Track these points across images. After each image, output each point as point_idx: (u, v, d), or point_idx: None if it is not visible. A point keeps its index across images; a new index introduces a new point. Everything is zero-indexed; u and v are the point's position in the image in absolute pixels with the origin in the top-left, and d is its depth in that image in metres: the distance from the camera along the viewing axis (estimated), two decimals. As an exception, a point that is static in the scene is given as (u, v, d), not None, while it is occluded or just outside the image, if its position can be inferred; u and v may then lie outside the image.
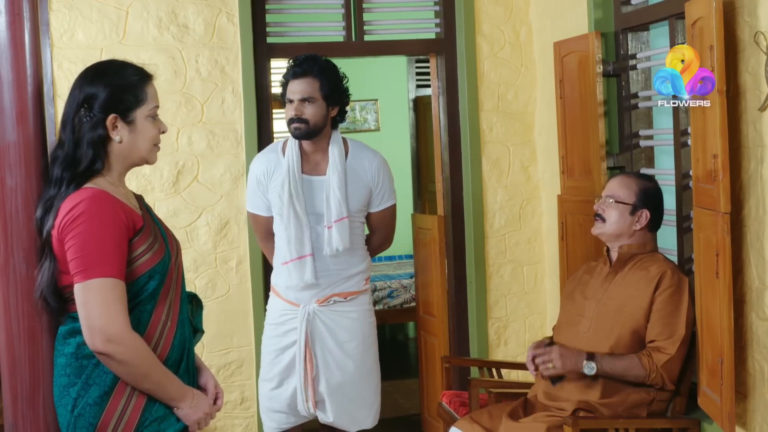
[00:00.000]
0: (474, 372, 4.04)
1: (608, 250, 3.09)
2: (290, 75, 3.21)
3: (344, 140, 3.31)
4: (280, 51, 4.22)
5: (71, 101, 2.13)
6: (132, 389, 2.08)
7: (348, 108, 3.36)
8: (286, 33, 4.30)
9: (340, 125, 3.33)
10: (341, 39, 4.29)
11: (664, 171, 3.41)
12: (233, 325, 4.15)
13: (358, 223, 3.30)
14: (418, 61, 7.33)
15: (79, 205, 2.03)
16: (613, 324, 2.93)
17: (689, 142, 2.95)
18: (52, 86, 3.90)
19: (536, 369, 3.01)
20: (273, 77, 4.24)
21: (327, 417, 3.30)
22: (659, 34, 3.53)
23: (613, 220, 3.01)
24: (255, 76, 4.11)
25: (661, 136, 3.48)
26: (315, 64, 3.20)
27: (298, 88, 3.18)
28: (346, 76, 3.29)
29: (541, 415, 2.93)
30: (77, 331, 2.06)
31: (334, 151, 3.24)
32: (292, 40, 4.27)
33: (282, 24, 4.31)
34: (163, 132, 2.22)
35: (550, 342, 3.14)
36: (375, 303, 5.67)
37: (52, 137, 2.37)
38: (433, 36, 4.44)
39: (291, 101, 3.20)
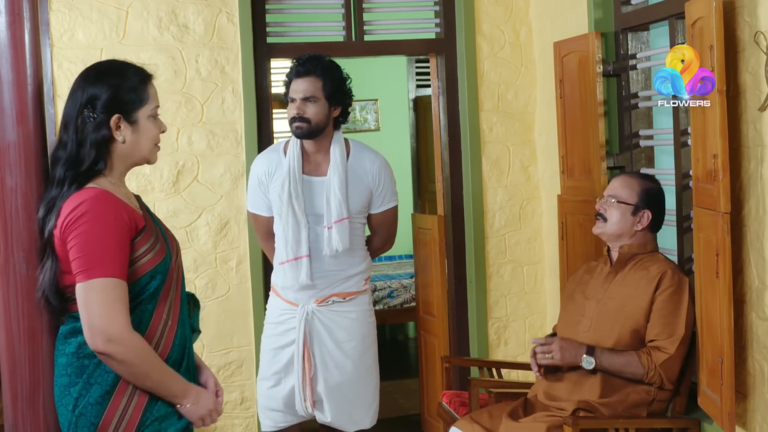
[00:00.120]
0: (474, 372, 4.03)
1: (609, 249, 3.09)
2: (293, 74, 3.21)
3: (346, 141, 3.30)
4: (280, 51, 4.22)
5: (73, 102, 2.13)
6: (133, 388, 2.08)
7: (350, 109, 3.36)
8: (286, 33, 4.30)
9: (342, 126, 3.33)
10: (341, 39, 4.29)
11: (664, 171, 3.41)
12: (233, 325, 4.14)
13: (358, 224, 3.30)
14: (418, 61, 7.32)
15: (81, 205, 2.03)
16: (613, 324, 2.93)
17: (689, 142, 2.94)
18: (52, 86, 3.90)
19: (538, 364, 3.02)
20: (273, 77, 4.24)
21: (325, 417, 3.29)
22: (659, 34, 3.53)
23: (615, 220, 3.01)
24: (255, 76, 4.11)
25: (661, 136, 3.48)
26: (318, 63, 3.20)
27: (300, 87, 3.18)
28: (349, 77, 3.29)
29: (541, 415, 2.93)
30: (78, 331, 2.06)
31: (336, 151, 3.23)
32: (292, 40, 4.27)
33: (282, 24, 4.31)
34: (163, 131, 2.23)
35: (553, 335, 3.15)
36: (375, 303, 5.67)
37: (52, 137, 2.37)
38: (433, 36, 4.44)
39: (293, 100, 3.19)
